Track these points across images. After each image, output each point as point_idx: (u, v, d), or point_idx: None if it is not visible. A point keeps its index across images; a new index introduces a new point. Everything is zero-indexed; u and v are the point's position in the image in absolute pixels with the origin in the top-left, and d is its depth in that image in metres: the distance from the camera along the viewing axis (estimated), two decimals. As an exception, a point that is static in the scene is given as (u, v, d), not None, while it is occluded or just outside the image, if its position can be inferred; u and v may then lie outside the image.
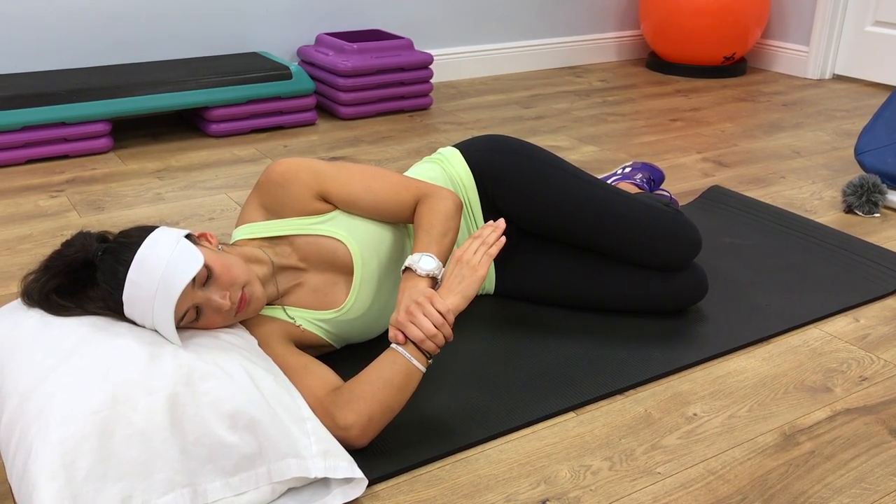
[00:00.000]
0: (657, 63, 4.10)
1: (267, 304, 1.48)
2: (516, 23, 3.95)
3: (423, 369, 1.32)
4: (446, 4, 3.72)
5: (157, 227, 1.32)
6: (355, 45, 3.13)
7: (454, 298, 1.33)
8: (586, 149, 2.91)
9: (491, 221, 1.43)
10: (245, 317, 1.38)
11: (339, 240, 1.48)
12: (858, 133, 3.13)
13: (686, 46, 3.91)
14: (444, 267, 1.40)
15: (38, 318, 1.29)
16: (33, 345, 1.24)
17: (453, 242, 1.46)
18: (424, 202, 1.50)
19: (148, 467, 1.11)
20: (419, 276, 1.36)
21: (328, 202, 1.51)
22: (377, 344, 1.62)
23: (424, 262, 1.37)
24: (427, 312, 1.29)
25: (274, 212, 1.50)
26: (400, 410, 1.35)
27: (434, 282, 1.38)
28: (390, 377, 1.30)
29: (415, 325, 1.29)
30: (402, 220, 1.54)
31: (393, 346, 1.32)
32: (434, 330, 1.28)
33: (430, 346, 1.30)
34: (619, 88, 3.78)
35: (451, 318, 1.30)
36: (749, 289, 1.89)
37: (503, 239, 1.39)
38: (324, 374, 1.37)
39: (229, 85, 2.88)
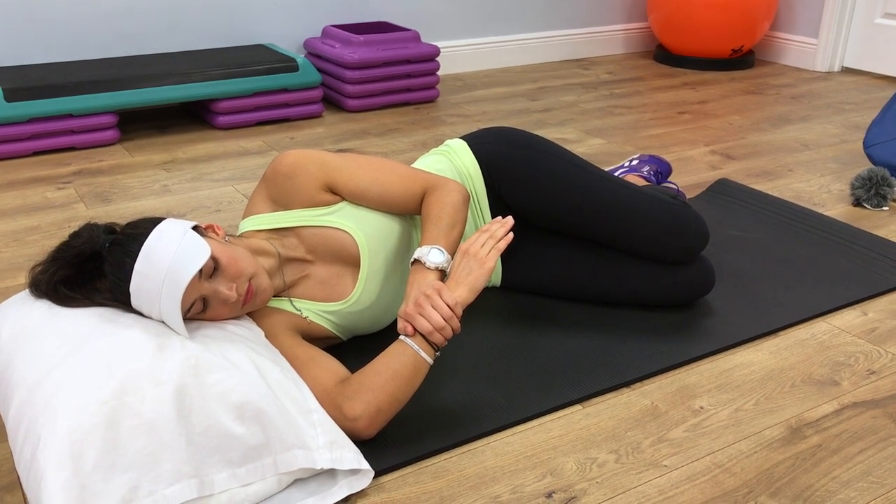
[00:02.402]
0: (665, 55, 4.09)
1: (274, 296, 1.48)
2: (523, 15, 3.94)
3: (431, 361, 1.32)
4: (453, -4, 3.71)
5: (164, 218, 1.32)
6: (362, 38, 3.13)
7: (462, 291, 1.33)
8: (593, 141, 2.90)
9: (499, 217, 1.43)
10: (252, 308, 1.38)
11: (346, 231, 1.48)
12: (867, 126, 3.11)
13: (694, 39, 3.89)
14: (452, 259, 1.40)
15: (45, 310, 1.30)
16: (41, 336, 1.24)
17: (461, 234, 1.46)
18: (432, 193, 1.49)
19: (155, 458, 1.11)
20: (428, 268, 1.36)
21: (336, 193, 1.51)
22: (384, 336, 1.63)
23: (433, 255, 1.37)
24: (436, 305, 1.29)
25: (281, 203, 1.50)
26: (407, 402, 1.35)
27: (443, 274, 1.38)
28: (398, 368, 1.30)
29: (423, 317, 1.29)
30: (410, 212, 1.54)
31: (401, 337, 1.32)
32: (442, 322, 1.29)
33: (438, 338, 1.30)
34: (626, 81, 3.77)
35: (460, 310, 1.30)
36: (756, 282, 1.89)
37: (511, 235, 1.39)
38: (331, 366, 1.38)
39: (236, 77, 2.88)
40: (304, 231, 1.48)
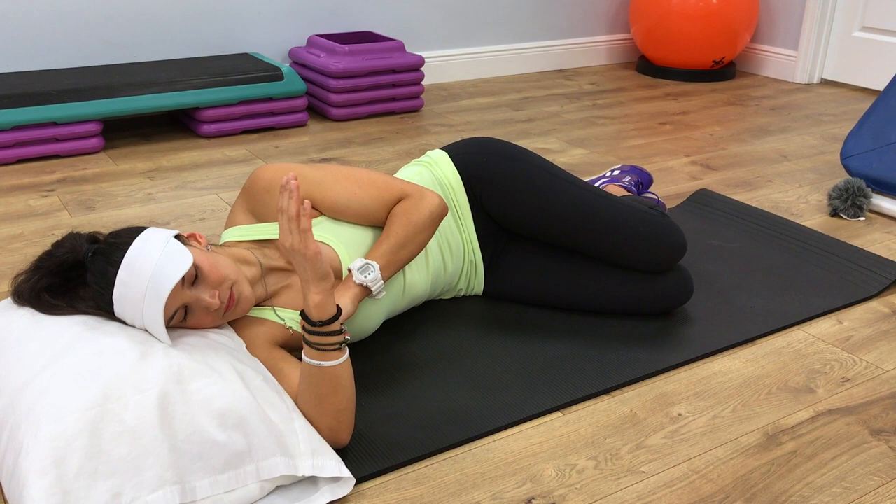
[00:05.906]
0: (647, 67, 4.13)
1: (256, 305, 1.49)
2: (507, 26, 3.97)
3: (342, 360, 1.28)
4: (438, 7, 3.73)
5: (146, 227, 1.33)
6: (347, 47, 3.15)
7: (315, 287, 1.26)
8: (576, 151, 2.93)
9: (284, 179, 1.27)
10: (234, 317, 1.39)
11: (327, 244, 1.50)
12: (845, 137, 3.16)
13: (676, 50, 3.93)
14: (382, 283, 1.45)
15: (29, 318, 1.30)
16: (24, 343, 1.25)
17: (412, 255, 1.51)
18: (405, 202, 1.53)
19: (138, 465, 1.12)
20: (355, 283, 1.43)
21: (313, 208, 1.52)
22: (366, 343, 1.64)
23: (360, 273, 1.43)
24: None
25: (260, 216, 1.51)
26: (353, 399, 1.32)
27: (367, 291, 1.44)
28: (318, 388, 1.29)
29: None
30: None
31: (304, 358, 1.29)
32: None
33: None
34: (608, 92, 3.81)
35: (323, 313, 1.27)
36: (734, 291, 1.91)
37: (307, 203, 1.24)
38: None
39: (221, 86, 2.89)
40: (286, 242, 1.49)
